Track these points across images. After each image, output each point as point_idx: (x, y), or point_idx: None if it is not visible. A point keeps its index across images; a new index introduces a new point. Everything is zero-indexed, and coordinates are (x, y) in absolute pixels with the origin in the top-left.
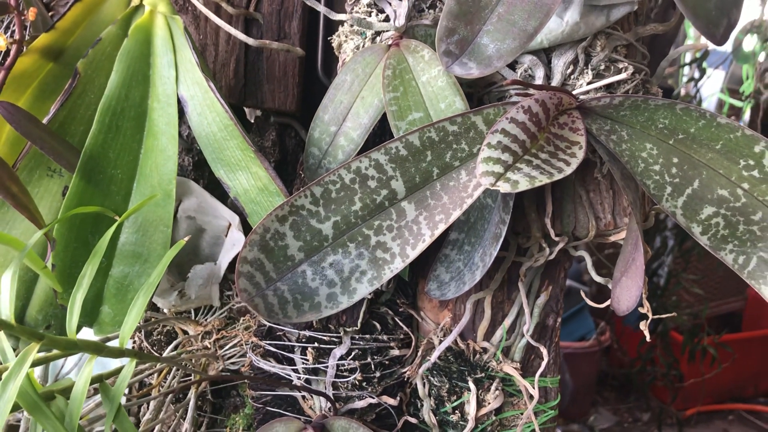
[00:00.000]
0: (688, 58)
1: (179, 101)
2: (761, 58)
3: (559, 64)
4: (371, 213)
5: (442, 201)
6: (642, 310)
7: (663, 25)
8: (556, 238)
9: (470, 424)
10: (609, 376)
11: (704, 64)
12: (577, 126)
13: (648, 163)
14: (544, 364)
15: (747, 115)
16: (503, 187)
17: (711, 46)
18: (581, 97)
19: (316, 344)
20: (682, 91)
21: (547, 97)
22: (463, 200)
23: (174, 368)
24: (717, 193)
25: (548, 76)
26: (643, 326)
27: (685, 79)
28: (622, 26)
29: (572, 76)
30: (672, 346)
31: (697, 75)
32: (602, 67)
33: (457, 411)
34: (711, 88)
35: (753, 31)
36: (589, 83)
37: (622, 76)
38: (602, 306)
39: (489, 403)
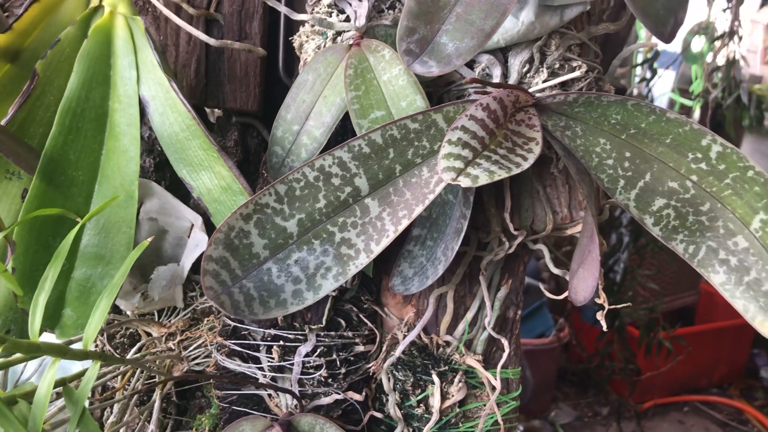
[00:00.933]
0: (639, 59)
1: (141, 102)
2: (709, 58)
3: (516, 62)
4: (335, 210)
5: (405, 197)
6: (599, 301)
7: (615, 25)
8: (515, 232)
9: (434, 417)
10: (568, 371)
11: (655, 65)
12: (534, 122)
13: (602, 158)
14: (505, 355)
15: (697, 114)
16: (464, 182)
17: (661, 47)
18: (537, 94)
19: (281, 342)
20: (635, 91)
21: (505, 95)
22: (425, 196)
23: (138, 370)
24: (668, 186)
25: (505, 75)
26: (600, 316)
27: (637, 80)
28: (575, 26)
29: (528, 75)
30: (629, 341)
31: (648, 75)
32: (557, 66)
33: (421, 404)
34: (662, 88)
35: (700, 32)
36: (544, 81)
37: (576, 74)
38: (561, 297)
39: (453, 396)
